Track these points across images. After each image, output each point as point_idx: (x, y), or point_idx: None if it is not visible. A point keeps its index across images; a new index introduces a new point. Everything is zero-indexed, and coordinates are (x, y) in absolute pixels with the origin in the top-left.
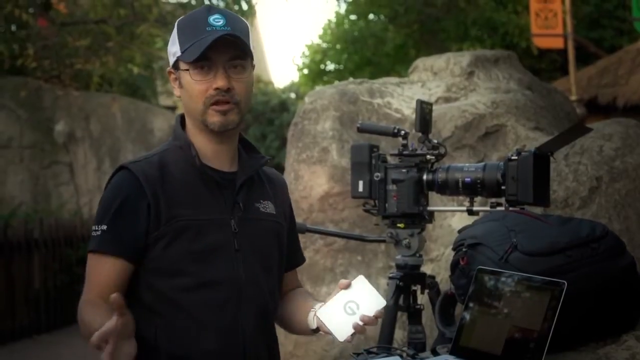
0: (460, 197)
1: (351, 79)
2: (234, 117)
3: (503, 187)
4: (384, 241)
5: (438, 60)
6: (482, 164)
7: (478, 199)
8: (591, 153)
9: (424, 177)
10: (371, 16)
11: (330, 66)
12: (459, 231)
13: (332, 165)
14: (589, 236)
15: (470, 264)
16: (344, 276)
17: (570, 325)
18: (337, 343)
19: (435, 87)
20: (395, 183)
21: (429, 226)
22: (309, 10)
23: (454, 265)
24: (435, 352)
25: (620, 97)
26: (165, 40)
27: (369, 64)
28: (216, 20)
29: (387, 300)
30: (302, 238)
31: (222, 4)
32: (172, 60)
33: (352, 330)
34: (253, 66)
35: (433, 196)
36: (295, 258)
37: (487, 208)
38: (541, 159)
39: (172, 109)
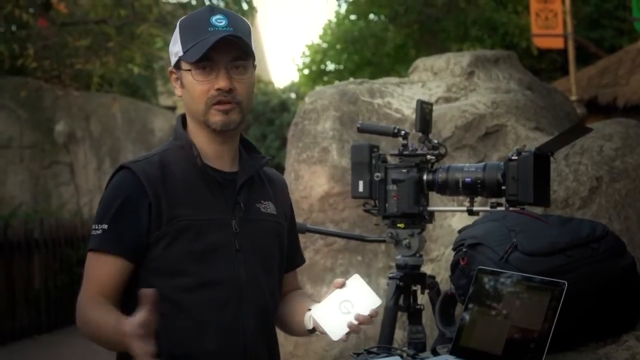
0: (461, 197)
1: (351, 79)
2: (236, 116)
3: (503, 187)
4: (384, 241)
5: (438, 61)
6: (483, 164)
7: (478, 199)
8: (591, 153)
9: (424, 177)
10: (371, 16)
11: (331, 66)
12: (459, 231)
13: (332, 165)
14: (589, 236)
15: (470, 264)
16: (344, 276)
17: (571, 325)
18: (337, 343)
19: (435, 87)
20: (396, 183)
21: (429, 226)
22: (309, 10)
23: (454, 266)
24: (435, 352)
25: (620, 97)
26: (166, 40)
27: (369, 64)
28: (218, 20)
29: (387, 300)
30: (302, 238)
31: (222, 4)
32: (173, 60)
33: (347, 330)
34: (254, 67)
35: (433, 196)
36: (295, 259)
37: (487, 208)
38: (541, 159)
39: (172, 109)
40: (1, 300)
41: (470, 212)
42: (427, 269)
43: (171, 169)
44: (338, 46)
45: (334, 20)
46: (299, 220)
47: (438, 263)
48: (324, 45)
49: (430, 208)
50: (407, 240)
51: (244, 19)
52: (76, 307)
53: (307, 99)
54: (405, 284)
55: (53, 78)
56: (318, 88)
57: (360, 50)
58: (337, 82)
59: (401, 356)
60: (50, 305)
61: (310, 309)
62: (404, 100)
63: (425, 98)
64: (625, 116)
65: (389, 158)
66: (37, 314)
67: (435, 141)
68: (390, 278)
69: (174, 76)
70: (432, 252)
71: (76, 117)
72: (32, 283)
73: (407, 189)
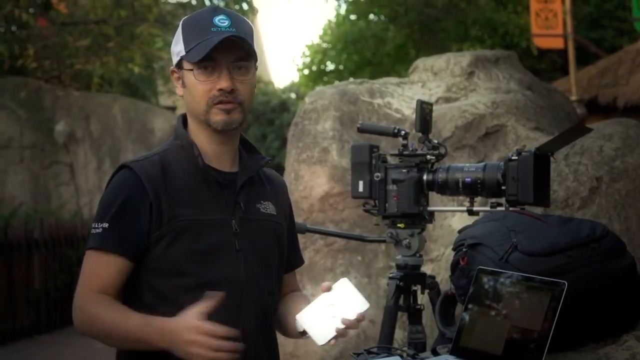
0: (461, 197)
1: (351, 79)
2: (237, 116)
3: (503, 187)
4: (384, 241)
5: (438, 61)
6: (483, 164)
7: (478, 199)
8: (591, 153)
9: (424, 177)
10: (371, 16)
11: (331, 66)
12: (459, 231)
13: (333, 165)
14: (589, 236)
15: (470, 264)
16: (344, 276)
17: (571, 325)
18: (338, 343)
19: (435, 87)
20: (396, 183)
21: (429, 226)
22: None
23: (454, 266)
24: (435, 352)
25: (620, 97)
26: (166, 40)
27: (369, 64)
28: (221, 21)
29: (387, 300)
30: (302, 238)
31: (222, 4)
32: (175, 59)
33: (334, 334)
34: (256, 67)
35: (433, 196)
36: (294, 260)
37: (487, 208)
38: (541, 159)
39: (172, 109)
40: (1, 300)
41: (470, 212)
42: (427, 269)
43: (172, 169)
44: (338, 46)
45: (334, 20)
46: (299, 220)
47: (438, 263)
48: (324, 45)
49: (430, 208)
50: (407, 240)
51: (247, 19)
52: (74, 305)
53: (307, 99)
54: (406, 284)
55: (53, 78)
56: (318, 88)
57: (360, 51)
58: (337, 82)
59: (401, 356)
60: (50, 305)
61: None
62: (404, 100)
63: (425, 98)
64: (625, 116)
65: (389, 158)
66: (37, 314)
67: (435, 141)
68: (390, 278)
69: (175, 75)
70: (432, 252)
71: (76, 117)
72: (32, 283)
73: (407, 189)
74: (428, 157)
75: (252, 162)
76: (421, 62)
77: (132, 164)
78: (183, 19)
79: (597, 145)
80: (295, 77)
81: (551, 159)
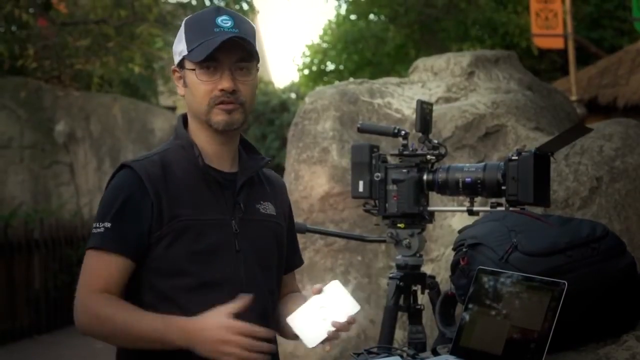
0: (461, 197)
1: (351, 79)
2: (239, 116)
3: (503, 187)
4: (384, 241)
5: (438, 61)
6: (483, 164)
7: (478, 199)
8: (591, 153)
9: (424, 177)
10: (371, 16)
11: (331, 66)
12: (459, 231)
13: (333, 165)
14: (589, 236)
15: (470, 264)
16: (344, 276)
17: (571, 325)
18: (338, 343)
19: (435, 87)
20: (396, 183)
21: (429, 226)
22: (309, 10)
23: (454, 266)
24: (435, 352)
25: (620, 98)
26: (166, 40)
27: (369, 64)
28: (224, 21)
29: (387, 300)
30: (302, 238)
31: (222, 4)
32: (177, 58)
33: (324, 336)
34: (258, 69)
35: (433, 196)
36: (293, 260)
37: (488, 208)
38: (541, 159)
39: (173, 109)
40: (1, 300)
41: (471, 212)
42: (427, 269)
43: (172, 169)
44: (338, 46)
45: (334, 20)
46: (299, 220)
47: (438, 263)
48: (324, 45)
49: (430, 208)
50: (407, 240)
51: (249, 20)
52: (75, 305)
53: (307, 99)
54: (406, 284)
55: (53, 78)
56: (318, 88)
57: (360, 51)
58: (337, 82)
59: (401, 356)
60: (50, 305)
61: None
62: (404, 100)
63: (426, 98)
64: (625, 116)
65: (389, 158)
66: (37, 314)
67: (436, 141)
68: (390, 278)
69: (176, 75)
70: (432, 252)
71: (76, 117)
72: (32, 283)
73: (407, 189)
74: (428, 157)
75: (251, 163)
76: (421, 62)
77: (133, 164)
78: (186, 18)
79: (597, 145)
80: (295, 77)
81: (551, 159)
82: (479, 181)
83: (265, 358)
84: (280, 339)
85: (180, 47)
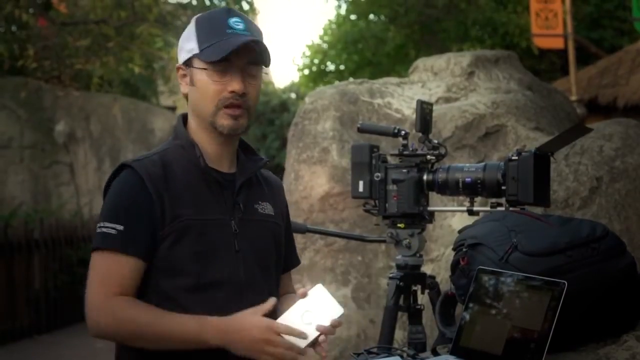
0: (461, 197)
1: (351, 79)
2: (244, 121)
3: (503, 187)
4: (384, 241)
5: (438, 61)
6: (483, 164)
7: (478, 199)
8: (591, 153)
9: (424, 177)
10: (371, 16)
11: (331, 66)
12: (459, 231)
13: (333, 165)
14: (589, 236)
15: (470, 264)
16: (344, 276)
17: (571, 325)
18: (338, 343)
19: (435, 87)
20: (396, 183)
21: (430, 226)
22: (309, 10)
23: (454, 266)
24: (435, 352)
25: (620, 98)
26: (166, 40)
27: (369, 64)
28: (236, 23)
29: (387, 300)
30: (302, 238)
31: (223, 4)
32: (184, 56)
33: (309, 341)
34: (266, 73)
35: (433, 196)
36: (290, 260)
37: (488, 208)
38: (541, 159)
39: (172, 109)
40: (1, 300)
41: (471, 212)
42: (427, 269)
43: (172, 168)
44: (338, 46)
45: (334, 20)
46: (299, 220)
47: (438, 263)
48: (324, 45)
49: (430, 208)
50: (407, 240)
51: (256, 24)
52: (91, 307)
53: (307, 99)
54: (406, 284)
55: (53, 78)
56: (318, 88)
57: (360, 51)
58: (337, 82)
59: (401, 356)
60: (50, 305)
61: None
62: (404, 100)
63: (426, 98)
64: (625, 116)
65: (389, 158)
66: (37, 314)
67: (436, 141)
68: (390, 278)
69: (181, 72)
70: (432, 252)
71: (76, 117)
72: (32, 283)
73: (407, 189)
74: (428, 157)
75: (250, 164)
76: (421, 62)
77: (134, 164)
78: (196, 16)
79: (597, 146)
80: (296, 77)
81: (551, 159)
82: (479, 181)
83: (301, 358)
84: None
85: (189, 45)
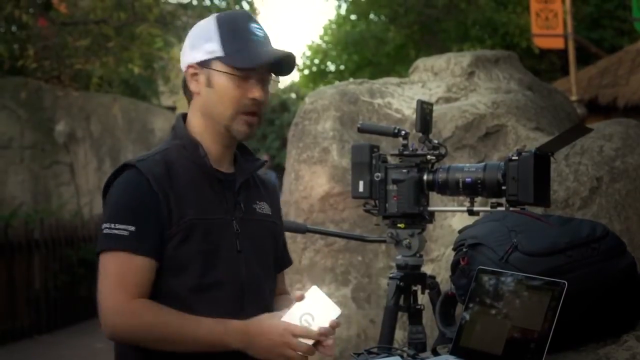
0: (461, 198)
1: (351, 79)
2: (256, 129)
3: (503, 188)
4: (384, 241)
5: (438, 61)
6: (483, 164)
7: (478, 199)
8: (591, 153)
9: (425, 177)
10: (371, 16)
11: (331, 67)
12: (460, 231)
13: (333, 165)
14: (589, 236)
15: (470, 264)
16: (344, 276)
17: (571, 325)
18: (337, 343)
19: (435, 87)
20: (396, 183)
21: (430, 226)
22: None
23: (455, 266)
24: (435, 352)
25: (620, 98)
26: (166, 40)
27: (370, 64)
28: (257, 30)
29: (387, 301)
30: (302, 238)
31: (223, 4)
32: (202, 56)
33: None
34: (277, 80)
35: (433, 196)
36: (283, 259)
37: (488, 208)
38: (542, 159)
39: (173, 109)
40: (1, 300)
41: (471, 212)
42: (427, 269)
43: (175, 168)
44: (339, 47)
45: (334, 20)
46: (299, 220)
47: (438, 263)
48: (324, 45)
49: (430, 208)
50: (408, 241)
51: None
52: (108, 309)
53: (307, 99)
54: (406, 284)
55: (53, 78)
56: (318, 88)
57: (360, 51)
58: (337, 82)
59: (401, 356)
60: (50, 305)
61: None
62: (404, 100)
63: (426, 98)
64: (626, 116)
65: (389, 158)
66: (38, 315)
67: (436, 141)
68: (390, 278)
69: (192, 71)
70: (433, 252)
71: (76, 117)
72: (33, 283)
73: (407, 189)
74: (428, 157)
75: (248, 164)
76: (421, 62)
77: (138, 164)
78: (216, 16)
79: (597, 146)
80: (296, 77)
81: (551, 159)
82: (479, 181)
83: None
84: None
85: (210, 46)
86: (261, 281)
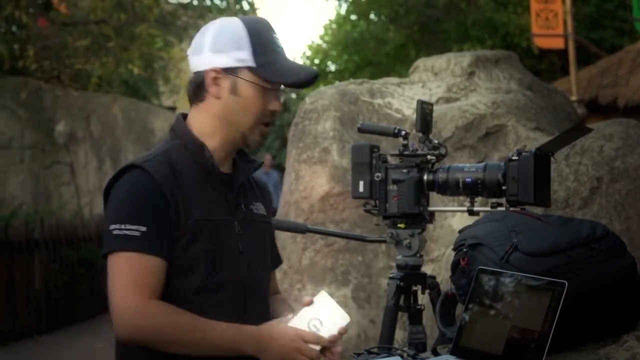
0: (461, 198)
1: (352, 79)
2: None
3: (504, 188)
4: (384, 241)
5: (439, 61)
6: (483, 164)
7: (479, 199)
8: (592, 153)
9: (425, 177)
10: (372, 16)
11: (332, 67)
12: (460, 231)
13: (333, 165)
14: (589, 236)
15: (470, 264)
16: (344, 276)
17: (571, 325)
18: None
19: (435, 87)
20: (396, 183)
21: (430, 226)
22: (309, 10)
23: (455, 266)
24: (435, 353)
25: (620, 98)
26: (166, 40)
27: (370, 64)
28: (278, 40)
29: (387, 301)
30: (302, 238)
31: (224, 4)
32: (231, 63)
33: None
34: None
35: (434, 196)
36: (276, 259)
37: (488, 208)
38: (542, 159)
39: (173, 109)
40: (1, 300)
41: (471, 212)
42: (427, 269)
43: (178, 168)
44: (339, 48)
45: (334, 20)
46: (299, 220)
47: (438, 263)
48: (325, 45)
49: (430, 208)
50: (408, 241)
51: None
52: (124, 310)
53: (307, 99)
54: (406, 284)
55: (53, 78)
56: (318, 88)
57: (360, 51)
58: (337, 83)
59: (402, 356)
60: (50, 305)
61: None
62: (405, 100)
63: (426, 98)
64: (626, 116)
65: (389, 158)
66: (38, 315)
67: (436, 141)
68: (390, 278)
69: (214, 75)
70: (433, 252)
71: (77, 117)
72: (33, 283)
73: (407, 189)
74: (428, 157)
75: (246, 165)
76: (422, 62)
77: (144, 164)
78: (244, 22)
79: (597, 146)
80: None
81: (551, 159)
82: (479, 181)
83: None
84: None
85: (241, 54)
86: (262, 281)
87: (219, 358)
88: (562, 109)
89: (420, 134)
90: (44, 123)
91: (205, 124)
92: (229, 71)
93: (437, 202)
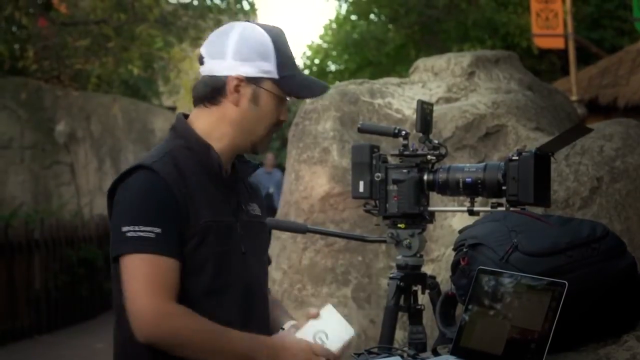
0: (461, 198)
1: (352, 79)
2: None
3: (504, 188)
4: (384, 241)
5: (439, 61)
6: (483, 164)
7: (479, 199)
8: (592, 153)
9: (425, 177)
10: (372, 16)
11: (332, 67)
12: (460, 231)
13: (333, 165)
14: (589, 236)
15: (470, 264)
16: (344, 277)
17: (571, 325)
18: None
19: (436, 87)
20: (396, 183)
21: (430, 226)
22: (309, 10)
23: (455, 266)
24: (436, 353)
25: (620, 98)
26: (166, 40)
27: (370, 64)
28: (291, 50)
29: (388, 301)
30: (302, 238)
31: (224, 4)
32: (256, 73)
33: None
34: None
35: (434, 196)
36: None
37: (488, 208)
38: (542, 159)
39: (173, 109)
40: (1, 300)
41: (471, 213)
42: (427, 269)
43: (183, 169)
44: (339, 48)
45: (334, 20)
46: (299, 220)
47: (439, 263)
48: (325, 45)
49: (430, 208)
50: (408, 241)
51: None
52: (148, 313)
53: (307, 99)
54: (406, 284)
55: (53, 78)
56: None
57: (361, 51)
58: (337, 83)
59: (402, 356)
60: (50, 305)
61: (283, 328)
62: (405, 100)
63: (426, 98)
64: (626, 116)
65: (389, 158)
66: (38, 315)
67: (436, 141)
68: (390, 278)
69: (236, 83)
70: (433, 253)
71: (77, 117)
72: (33, 283)
73: (407, 189)
74: (428, 157)
75: (245, 167)
76: (422, 63)
77: (153, 165)
78: (269, 32)
79: (597, 146)
80: None
81: (552, 159)
82: (479, 181)
83: None
84: None
85: (266, 65)
86: (262, 282)
87: None
88: (562, 109)
89: (421, 134)
90: (44, 123)
91: (214, 127)
92: (252, 80)
93: (437, 202)
